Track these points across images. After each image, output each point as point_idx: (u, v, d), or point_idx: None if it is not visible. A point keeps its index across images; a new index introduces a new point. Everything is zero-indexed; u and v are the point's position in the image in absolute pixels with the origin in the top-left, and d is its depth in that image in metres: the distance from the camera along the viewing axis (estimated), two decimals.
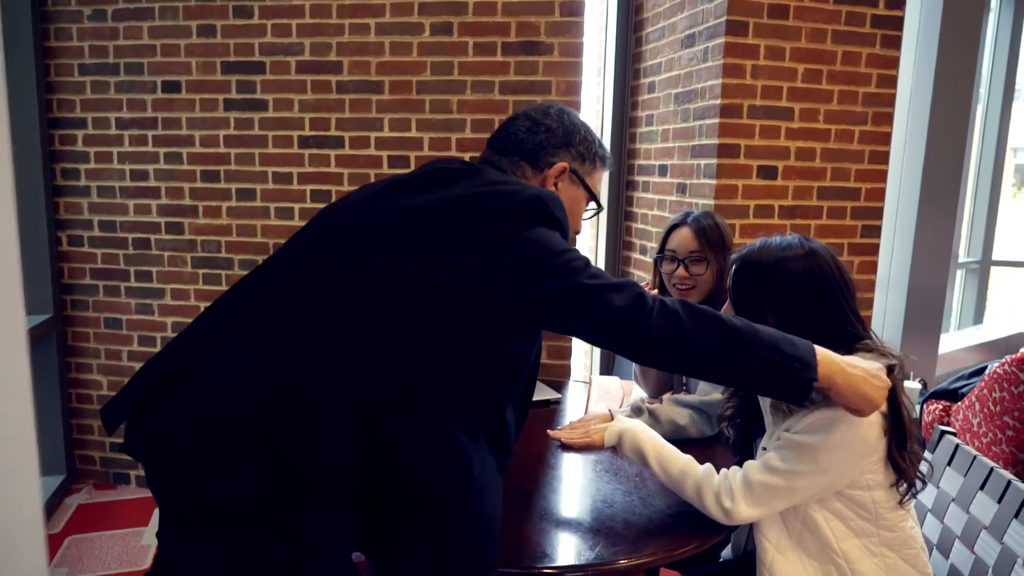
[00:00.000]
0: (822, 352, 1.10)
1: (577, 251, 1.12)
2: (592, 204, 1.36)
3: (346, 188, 2.76)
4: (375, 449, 1.01)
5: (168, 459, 1.05)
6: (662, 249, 1.86)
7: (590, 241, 3.41)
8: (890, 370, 1.21)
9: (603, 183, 1.38)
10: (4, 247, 0.41)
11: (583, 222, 1.38)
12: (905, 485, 1.25)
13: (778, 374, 1.06)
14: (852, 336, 1.27)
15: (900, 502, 1.26)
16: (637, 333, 1.05)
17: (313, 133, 2.74)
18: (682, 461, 1.33)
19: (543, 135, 1.28)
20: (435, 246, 1.08)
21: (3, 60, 0.41)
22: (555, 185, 1.28)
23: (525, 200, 1.11)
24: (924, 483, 1.28)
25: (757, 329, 1.08)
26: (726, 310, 1.37)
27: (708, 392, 1.73)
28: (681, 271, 1.80)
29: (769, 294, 1.29)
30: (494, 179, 1.19)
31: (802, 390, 1.08)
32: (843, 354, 1.22)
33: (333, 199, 2.78)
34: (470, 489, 1.07)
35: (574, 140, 1.29)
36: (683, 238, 1.81)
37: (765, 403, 1.36)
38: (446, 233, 1.09)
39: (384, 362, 1.03)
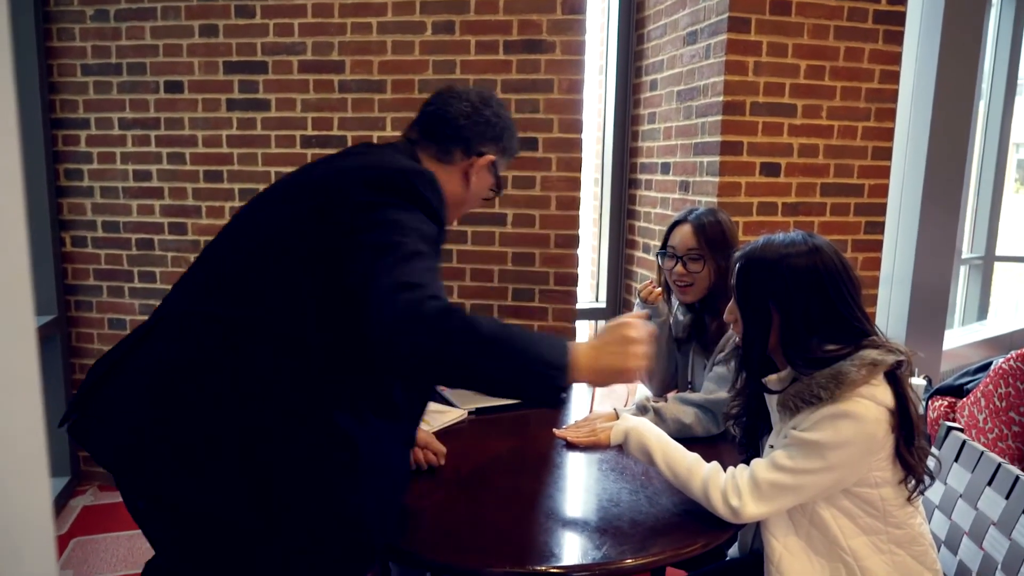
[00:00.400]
0: (572, 349, 1.04)
1: (423, 243, 1.07)
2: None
3: None
4: (260, 439, 1.04)
5: (103, 450, 1.11)
6: (664, 245, 1.86)
7: (593, 240, 3.41)
8: (897, 366, 1.21)
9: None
10: (14, 248, 0.41)
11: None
12: (913, 481, 1.24)
13: (536, 382, 1.02)
14: (858, 332, 1.26)
15: (908, 498, 1.26)
16: (396, 325, 0.97)
17: (316, 133, 2.74)
18: (689, 459, 1.33)
19: (481, 126, 1.30)
20: (311, 218, 1.10)
21: (11, 63, 0.41)
22: (477, 174, 1.32)
23: (388, 173, 1.12)
24: (932, 479, 1.28)
25: (513, 337, 1.02)
26: (730, 309, 1.37)
27: (713, 390, 1.72)
28: (679, 268, 1.80)
29: (773, 291, 1.28)
30: (381, 156, 1.21)
31: (557, 395, 1.04)
32: (851, 351, 1.22)
33: None
34: (359, 470, 1.09)
35: (505, 136, 1.34)
36: (683, 235, 1.81)
37: (772, 401, 1.35)
38: (320, 205, 1.11)
39: (265, 348, 1.06)
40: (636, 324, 1.08)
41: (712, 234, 1.78)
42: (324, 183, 1.15)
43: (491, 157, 1.32)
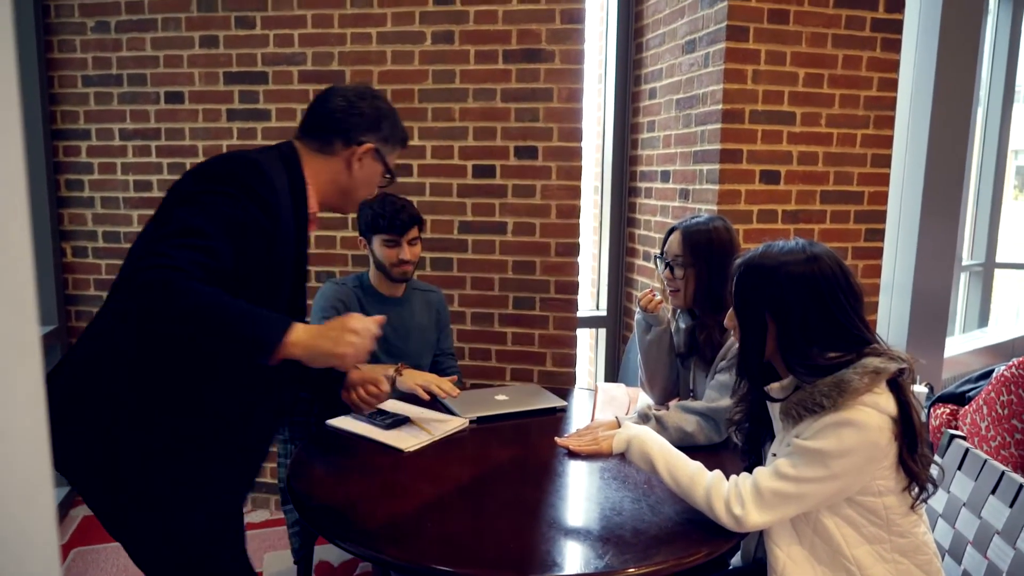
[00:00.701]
0: (291, 328, 1.15)
1: (214, 223, 1.16)
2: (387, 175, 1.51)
3: None
4: (128, 420, 1.21)
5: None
6: (661, 251, 1.89)
7: (593, 248, 3.41)
8: (900, 373, 1.21)
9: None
10: (18, 260, 0.41)
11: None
12: (917, 489, 1.24)
13: (238, 352, 1.17)
14: (858, 340, 1.26)
15: (912, 506, 1.25)
16: (128, 286, 1.13)
17: None
18: (691, 468, 1.32)
19: (356, 117, 1.40)
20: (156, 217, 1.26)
21: (16, 73, 0.41)
22: (360, 162, 1.41)
23: (212, 163, 1.26)
24: (935, 487, 1.27)
25: (225, 310, 1.12)
26: (730, 315, 1.37)
27: (715, 399, 1.72)
28: (667, 273, 1.84)
29: (768, 298, 1.28)
30: (231, 151, 1.36)
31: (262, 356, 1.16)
32: (853, 359, 1.22)
33: None
34: (221, 442, 1.28)
35: (383, 125, 1.43)
36: (672, 241, 1.85)
37: (774, 409, 1.35)
38: (162, 202, 1.27)
39: (138, 339, 1.22)
40: (361, 319, 1.21)
41: (695, 241, 1.80)
42: (174, 184, 1.29)
43: (371, 145, 1.40)
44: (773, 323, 1.28)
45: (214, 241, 1.14)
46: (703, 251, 1.78)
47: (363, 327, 1.19)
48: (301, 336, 1.14)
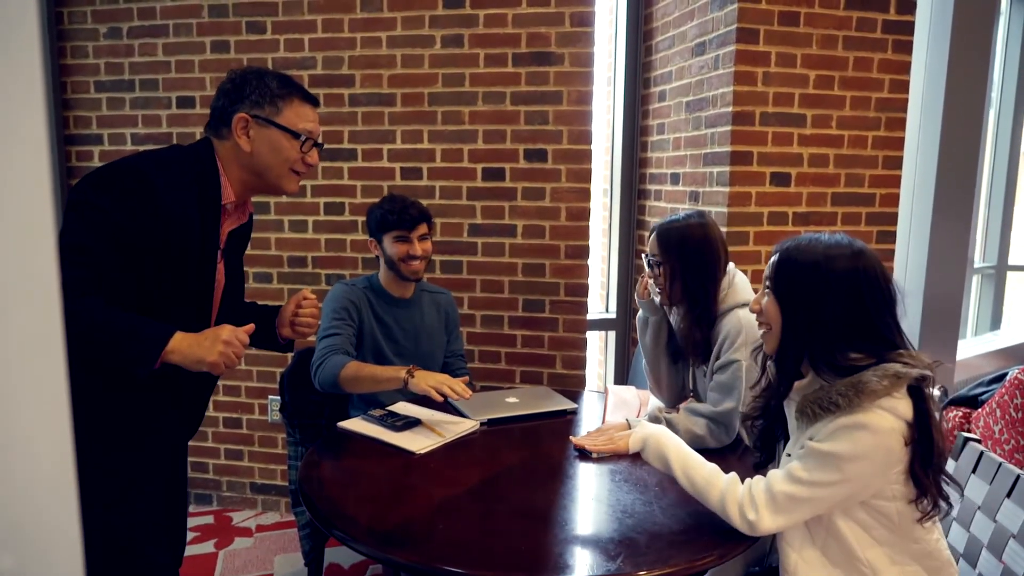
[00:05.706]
0: (172, 340, 1.25)
1: (91, 234, 1.23)
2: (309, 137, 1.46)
3: (359, 200, 2.77)
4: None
5: None
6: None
7: (602, 251, 3.41)
8: (921, 379, 1.19)
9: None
10: (43, 262, 0.42)
11: (311, 156, 1.47)
12: (926, 502, 1.21)
13: (122, 367, 1.25)
14: (888, 343, 1.23)
15: (920, 520, 1.23)
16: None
17: (326, 146, 2.76)
18: (707, 470, 1.32)
19: (222, 99, 1.42)
20: None
21: (42, 74, 0.42)
22: (247, 135, 1.40)
23: (95, 171, 1.30)
24: (949, 504, 1.24)
25: (108, 329, 1.21)
26: (756, 299, 1.34)
27: (719, 401, 1.71)
28: (649, 272, 1.84)
29: (807, 290, 1.25)
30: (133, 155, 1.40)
31: (137, 378, 1.26)
32: (876, 363, 1.20)
33: (346, 212, 2.79)
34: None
35: (245, 91, 1.41)
36: (649, 241, 1.84)
37: (790, 410, 1.34)
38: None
39: None
40: (232, 330, 1.30)
41: (667, 239, 1.79)
42: (76, 183, 1.33)
43: (241, 115, 1.39)
44: (805, 314, 1.25)
45: (98, 254, 1.22)
46: (675, 248, 1.78)
47: (233, 338, 1.29)
48: (178, 345, 1.25)
